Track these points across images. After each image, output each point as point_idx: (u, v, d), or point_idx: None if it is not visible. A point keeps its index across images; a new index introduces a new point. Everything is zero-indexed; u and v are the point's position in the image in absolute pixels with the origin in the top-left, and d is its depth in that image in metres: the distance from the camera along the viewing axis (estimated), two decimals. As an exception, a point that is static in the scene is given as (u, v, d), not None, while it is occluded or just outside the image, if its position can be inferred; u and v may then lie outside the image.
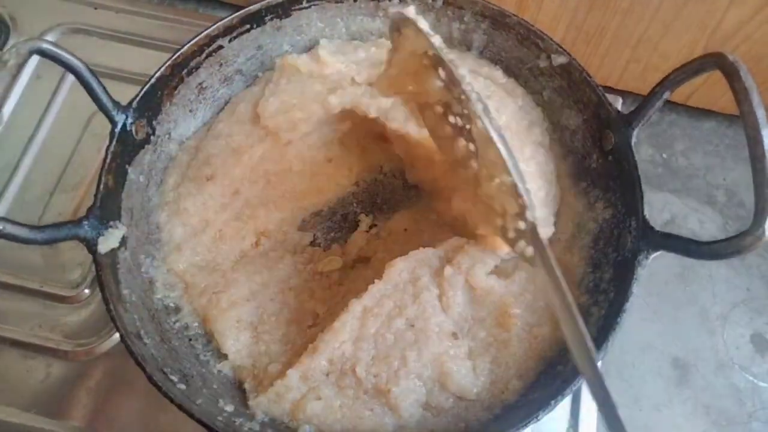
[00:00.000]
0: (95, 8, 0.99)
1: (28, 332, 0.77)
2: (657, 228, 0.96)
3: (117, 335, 0.76)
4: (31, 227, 0.54)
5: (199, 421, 0.55)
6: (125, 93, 0.65)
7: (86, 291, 0.80)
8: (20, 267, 0.80)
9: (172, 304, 0.69)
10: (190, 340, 0.67)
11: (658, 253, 0.59)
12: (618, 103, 0.96)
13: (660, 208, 0.97)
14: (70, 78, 0.93)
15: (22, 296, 0.79)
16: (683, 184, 0.98)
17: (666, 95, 0.61)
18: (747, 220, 0.93)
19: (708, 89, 0.96)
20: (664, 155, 1.01)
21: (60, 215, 0.84)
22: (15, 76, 0.53)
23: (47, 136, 0.90)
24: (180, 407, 0.55)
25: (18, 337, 0.76)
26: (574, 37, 0.93)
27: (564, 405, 0.78)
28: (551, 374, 0.62)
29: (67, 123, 0.91)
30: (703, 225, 0.96)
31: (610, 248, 0.65)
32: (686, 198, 0.98)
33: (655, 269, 0.92)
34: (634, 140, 0.64)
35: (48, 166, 0.88)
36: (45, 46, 0.55)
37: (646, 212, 0.61)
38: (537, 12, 0.91)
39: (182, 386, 0.59)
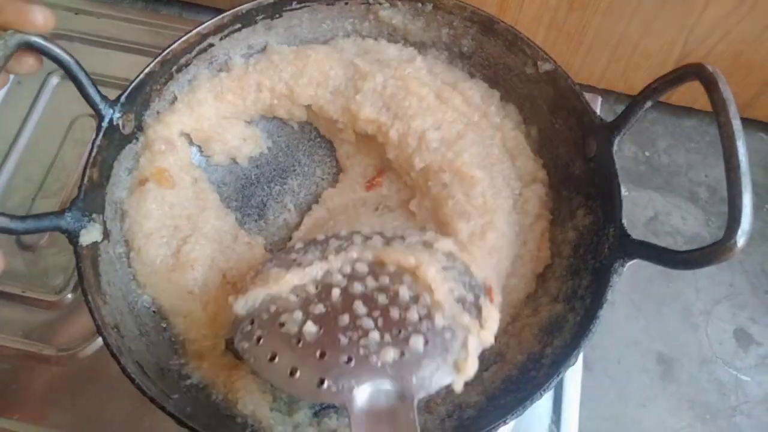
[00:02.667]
0: (76, 13, 0.98)
1: (10, 338, 0.76)
2: (640, 225, 0.99)
3: (101, 340, 0.74)
4: (12, 217, 0.54)
5: (172, 415, 0.54)
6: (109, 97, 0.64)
7: (69, 296, 0.79)
8: (2, 273, 0.79)
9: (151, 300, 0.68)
10: (170, 336, 0.67)
11: (634, 261, 0.59)
12: (598, 102, 0.97)
13: (643, 206, 0.97)
14: (52, 83, 0.93)
15: (4, 302, 0.79)
16: (666, 181, 0.99)
17: (647, 104, 0.62)
18: (728, 216, 0.96)
19: (689, 87, 0.95)
20: (647, 153, 1.02)
21: (42, 221, 0.83)
22: (1, 68, 0.52)
23: (28, 141, 0.89)
24: (152, 401, 0.55)
25: (0, 343, 0.76)
26: (555, 37, 0.94)
27: (547, 397, 0.78)
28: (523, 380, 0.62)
29: (48, 128, 0.90)
30: (686, 221, 0.96)
31: (588, 255, 0.66)
32: (669, 195, 0.98)
33: (640, 266, 0.91)
34: (615, 148, 0.64)
35: (29, 171, 0.87)
36: (33, 39, 0.54)
37: (629, 209, 0.62)
38: (518, 12, 0.92)
39: (158, 381, 0.59)
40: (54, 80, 0.93)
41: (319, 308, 0.53)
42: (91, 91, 0.61)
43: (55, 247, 0.82)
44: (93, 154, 0.63)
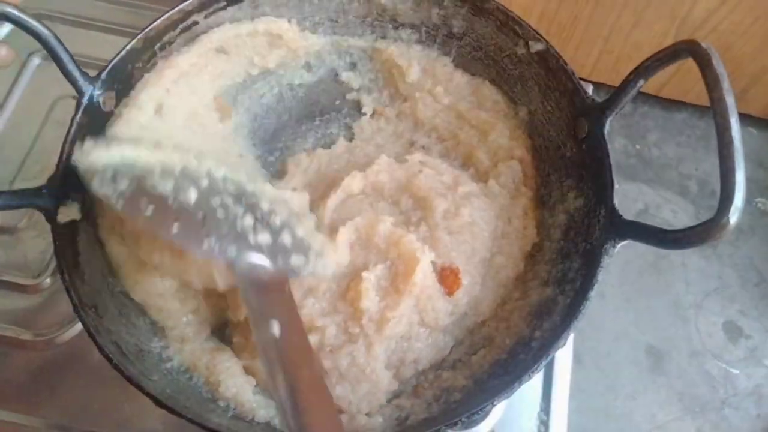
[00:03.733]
0: (60, -6, 0.97)
1: (-15, 323, 0.75)
2: (630, 218, 0.98)
3: (79, 325, 0.73)
4: None
5: (150, 396, 0.53)
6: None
7: (48, 280, 0.78)
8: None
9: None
10: (149, 317, 0.65)
11: (626, 241, 0.58)
12: (590, 90, 0.96)
13: (634, 198, 0.97)
14: (33, 64, 0.91)
15: (-21, 287, 0.77)
16: (656, 174, 0.99)
17: (640, 83, 0.61)
18: (719, 210, 0.95)
19: (680, 80, 0.97)
20: (638, 146, 1.01)
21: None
22: None
23: (8, 123, 0.87)
24: (130, 381, 0.53)
25: (-25, 328, 0.74)
26: (547, 28, 0.94)
27: (536, 388, 0.78)
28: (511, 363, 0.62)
29: (28, 111, 0.88)
30: (676, 215, 0.96)
31: (579, 237, 0.65)
32: (659, 188, 0.98)
33: (630, 259, 0.92)
34: (607, 129, 0.63)
35: (9, 153, 0.85)
36: (9, 10, 0.53)
37: (620, 202, 0.61)
38: (509, 3, 0.90)
39: (137, 362, 0.57)
40: (35, 61, 0.92)
41: (190, 188, 0.54)
42: (71, 66, 0.59)
43: (34, 230, 0.80)
44: (72, 131, 0.61)
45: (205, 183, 0.55)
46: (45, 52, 0.86)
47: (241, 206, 0.55)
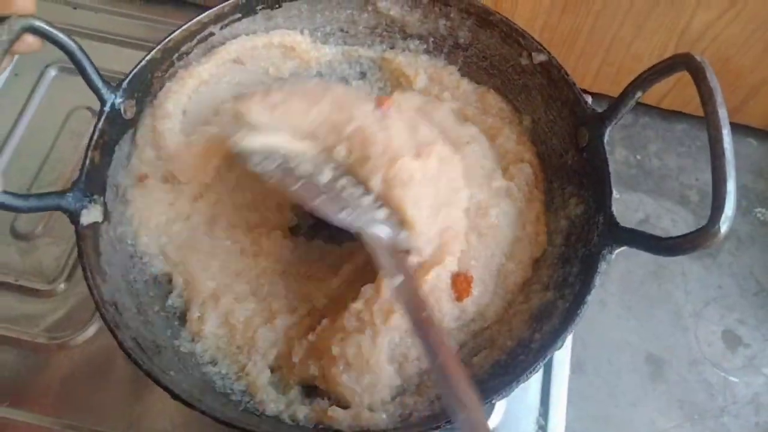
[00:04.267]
0: (74, 8, 0.99)
1: (2, 326, 0.76)
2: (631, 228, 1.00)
3: (93, 328, 0.76)
4: (16, 195, 0.55)
5: (165, 388, 0.55)
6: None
7: (62, 285, 0.79)
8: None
9: (151, 277, 0.70)
10: (167, 315, 0.69)
11: (622, 248, 0.60)
12: (589, 101, 0.98)
13: (634, 209, 0.98)
14: (49, 75, 0.94)
15: (-3, 291, 0.79)
16: (657, 184, 1.00)
17: (638, 95, 0.63)
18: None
19: (680, 92, 0.99)
20: (638, 156, 1.03)
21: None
22: (6, 52, 0.53)
23: (25, 133, 0.89)
24: (148, 374, 0.55)
25: (-8, 332, 0.76)
26: (549, 39, 0.95)
27: (535, 392, 0.79)
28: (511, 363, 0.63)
29: (44, 121, 0.91)
30: (676, 224, 0.97)
31: (579, 243, 0.67)
32: (660, 198, 0.99)
33: (631, 268, 0.93)
34: (606, 138, 0.65)
35: (25, 163, 0.87)
36: (37, 23, 0.55)
37: (621, 212, 0.63)
38: (512, 14, 0.93)
39: (154, 357, 0.60)
40: (52, 72, 0.94)
41: (324, 171, 0.65)
42: (94, 76, 0.63)
43: (49, 236, 0.82)
44: (95, 137, 0.64)
45: (332, 166, 0.66)
46: (61, 64, 0.93)
47: (360, 188, 0.65)
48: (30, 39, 0.56)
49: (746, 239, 0.96)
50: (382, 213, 0.63)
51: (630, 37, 0.92)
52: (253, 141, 0.65)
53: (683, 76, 0.94)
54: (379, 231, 0.62)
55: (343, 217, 0.62)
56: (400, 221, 0.64)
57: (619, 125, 1.05)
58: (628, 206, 0.98)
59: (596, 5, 0.88)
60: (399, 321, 0.63)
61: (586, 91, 1.02)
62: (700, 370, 0.87)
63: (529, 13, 0.92)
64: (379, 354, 0.63)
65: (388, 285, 0.62)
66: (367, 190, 0.64)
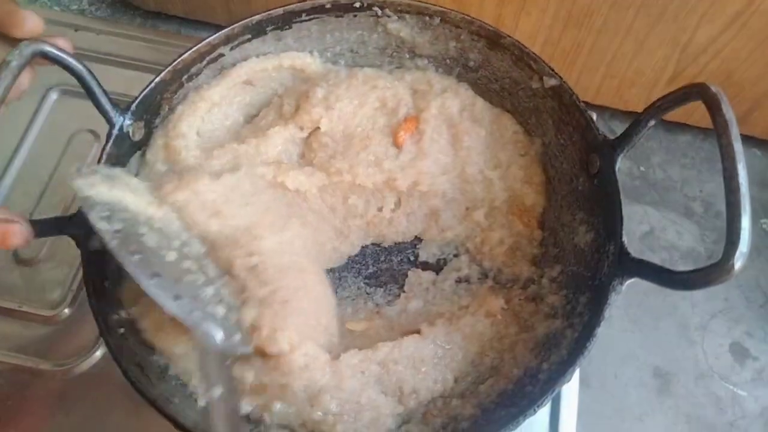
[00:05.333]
0: (76, 30, 0.99)
1: (6, 353, 0.76)
2: (636, 240, 0.99)
3: (97, 355, 0.76)
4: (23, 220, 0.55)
5: (169, 418, 0.55)
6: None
7: (66, 311, 0.79)
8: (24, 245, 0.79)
9: None
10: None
11: (633, 279, 0.59)
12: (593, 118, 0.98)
13: (639, 220, 0.98)
14: (51, 99, 0.94)
15: (0, 317, 0.78)
16: (661, 196, 1.00)
17: (651, 123, 0.62)
18: (723, 231, 0.95)
19: (683, 103, 0.99)
20: (642, 168, 1.02)
21: (40, 235, 0.84)
22: (16, 77, 0.53)
23: (27, 156, 0.89)
24: (152, 403, 0.55)
25: (-4, 358, 0.76)
26: (551, 54, 0.95)
27: (544, 414, 0.78)
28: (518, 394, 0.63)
29: (47, 144, 0.90)
30: (681, 236, 0.97)
31: (588, 272, 0.66)
32: (664, 210, 0.99)
33: (636, 280, 0.93)
34: (618, 166, 0.64)
35: (28, 186, 0.87)
36: (47, 48, 0.55)
37: (625, 225, 0.62)
38: (514, 30, 0.93)
39: (158, 383, 0.60)
40: (53, 96, 0.94)
41: (171, 247, 0.59)
42: (103, 99, 0.63)
43: (53, 261, 0.82)
44: (103, 159, 0.64)
45: (178, 244, 0.60)
46: (63, 87, 0.93)
47: (202, 274, 0.59)
48: (23, 78, 0.56)
49: (752, 250, 0.92)
50: (220, 310, 0.58)
51: (632, 53, 0.91)
52: (104, 191, 0.57)
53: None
54: (212, 331, 0.56)
55: (172, 307, 0.54)
56: (238, 321, 0.59)
57: (623, 137, 1.06)
58: (632, 218, 0.98)
59: (598, 22, 0.88)
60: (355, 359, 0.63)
61: (588, 104, 1.02)
62: (707, 384, 0.86)
63: (531, 29, 0.92)
64: (366, 389, 0.62)
65: (204, 394, 0.55)
66: (214, 278, 0.60)
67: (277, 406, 0.61)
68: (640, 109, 1.01)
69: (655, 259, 0.95)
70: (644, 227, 0.98)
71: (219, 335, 0.55)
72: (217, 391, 0.53)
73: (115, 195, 0.57)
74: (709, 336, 0.89)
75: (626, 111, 1.04)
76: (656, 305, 0.91)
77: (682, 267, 0.94)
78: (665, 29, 0.87)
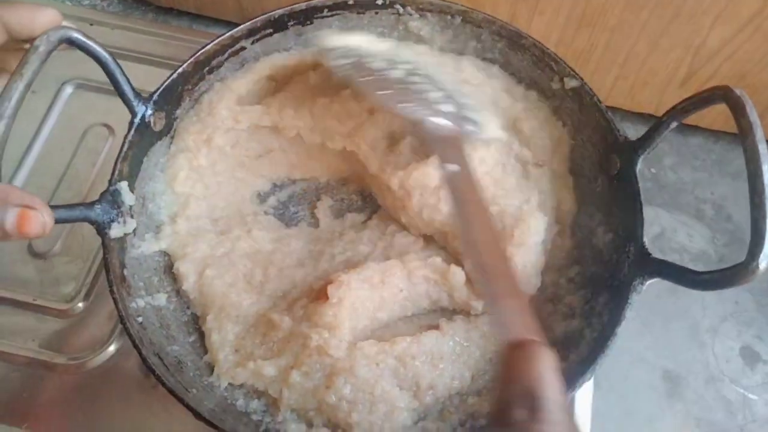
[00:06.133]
0: (91, 24, 0.99)
1: (21, 346, 0.76)
2: (647, 242, 0.99)
3: (111, 349, 0.76)
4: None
5: (188, 407, 0.55)
6: (121, 107, 0.65)
7: (80, 305, 0.79)
8: (13, 281, 0.80)
9: (174, 290, 0.70)
10: (188, 329, 0.69)
11: (654, 279, 0.59)
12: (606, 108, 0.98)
13: (650, 222, 0.98)
14: (66, 93, 0.94)
15: (15, 310, 0.79)
16: (672, 198, 1.00)
17: (673, 125, 0.62)
18: (734, 234, 0.96)
19: (694, 105, 0.98)
20: (653, 170, 1.02)
21: (54, 228, 0.83)
22: (44, 62, 0.54)
23: (42, 150, 0.90)
24: (171, 392, 0.55)
25: (10, 351, 0.76)
26: (564, 54, 0.94)
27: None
28: None
29: (61, 138, 0.91)
30: (692, 238, 0.97)
31: (608, 273, 0.66)
32: (675, 212, 0.99)
33: (655, 281, 0.93)
34: (639, 167, 0.64)
35: (43, 180, 0.88)
36: (75, 35, 0.57)
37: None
38: (527, 29, 0.92)
39: (177, 374, 0.61)
40: (68, 90, 0.94)
41: (397, 68, 0.68)
42: (126, 88, 0.63)
43: (67, 255, 0.83)
44: (124, 149, 0.65)
45: (408, 66, 0.69)
46: (77, 81, 0.94)
47: (432, 85, 0.67)
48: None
49: (763, 254, 0.95)
50: (449, 107, 0.65)
51: (645, 53, 0.91)
52: (334, 39, 0.69)
53: (700, 89, 0.95)
54: (441, 121, 0.63)
55: (404, 107, 0.63)
56: (466, 117, 0.65)
57: (635, 138, 1.05)
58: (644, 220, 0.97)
59: (611, 21, 0.88)
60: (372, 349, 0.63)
61: (600, 105, 1.02)
62: (718, 387, 0.86)
63: (545, 28, 0.92)
64: (383, 381, 0.62)
65: (444, 174, 0.61)
66: (442, 87, 0.67)
67: (296, 377, 0.62)
68: (652, 111, 1.02)
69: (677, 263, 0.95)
70: (655, 229, 0.98)
71: (448, 124, 0.64)
72: (452, 167, 0.60)
73: (344, 40, 0.69)
74: (720, 339, 0.89)
75: (638, 113, 1.03)
76: (667, 308, 0.91)
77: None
78: (679, 30, 0.86)
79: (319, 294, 0.66)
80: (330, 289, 0.64)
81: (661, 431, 0.83)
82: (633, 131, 1.05)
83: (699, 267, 0.94)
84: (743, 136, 0.52)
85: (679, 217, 0.99)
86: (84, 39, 0.58)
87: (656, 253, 0.96)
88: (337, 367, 0.61)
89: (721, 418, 0.84)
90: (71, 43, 0.57)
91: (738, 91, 0.53)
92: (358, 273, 0.66)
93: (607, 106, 1.01)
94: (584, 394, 0.80)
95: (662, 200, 1.00)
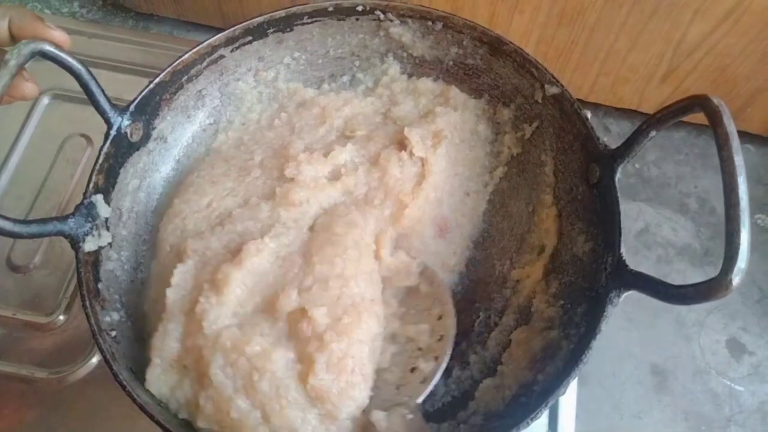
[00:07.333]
0: (68, 34, 0.98)
1: (0, 361, 0.76)
2: (631, 237, 0.99)
3: (93, 362, 0.76)
4: (16, 221, 0.54)
5: (159, 423, 0.54)
6: (99, 117, 0.64)
7: (61, 318, 0.79)
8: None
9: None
10: None
11: (630, 292, 0.58)
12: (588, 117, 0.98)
13: (634, 218, 0.98)
14: (43, 103, 0.93)
15: (-6, 325, 0.78)
16: (656, 193, 1.00)
17: (652, 134, 0.61)
18: (719, 227, 0.96)
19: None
20: (637, 165, 1.03)
21: (33, 241, 0.83)
22: (14, 76, 0.53)
23: (19, 162, 0.89)
24: (142, 408, 0.55)
25: (-10, 366, 0.75)
26: (545, 52, 0.95)
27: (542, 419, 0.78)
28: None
29: (39, 149, 0.90)
30: (677, 233, 0.97)
31: (586, 283, 0.65)
32: (659, 207, 0.99)
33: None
34: (618, 176, 0.63)
35: (21, 192, 0.87)
36: (47, 47, 0.55)
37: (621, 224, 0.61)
38: (508, 28, 0.93)
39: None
40: (45, 100, 0.93)
41: None
42: (101, 99, 0.62)
43: (46, 269, 0.82)
44: (100, 161, 0.63)
45: None
46: (54, 92, 0.92)
47: None
48: (30, 85, 0.58)
49: (747, 247, 0.95)
50: None
51: (625, 49, 0.92)
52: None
53: (681, 84, 0.96)
54: None
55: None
56: None
57: (618, 135, 1.06)
58: (627, 215, 0.97)
59: (591, 19, 0.88)
60: None
61: (582, 102, 1.02)
62: (705, 380, 0.87)
63: (525, 27, 0.92)
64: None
65: None
66: None
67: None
68: (634, 107, 1.02)
69: (651, 256, 0.96)
70: (639, 224, 0.98)
71: None
72: None
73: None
74: (706, 332, 0.90)
75: (620, 108, 1.04)
76: (653, 303, 0.88)
77: (678, 263, 0.96)
78: (658, 26, 0.87)
79: None
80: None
81: (649, 425, 0.84)
82: (616, 127, 1.05)
83: (684, 261, 0.97)
84: (719, 147, 0.51)
85: (663, 211, 0.99)
86: (56, 51, 0.57)
87: (641, 249, 0.98)
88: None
89: (709, 410, 0.84)
90: (44, 55, 0.56)
91: (716, 100, 0.52)
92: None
93: (589, 102, 1.03)
94: (569, 389, 0.79)
95: (646, 195, 1.00)
